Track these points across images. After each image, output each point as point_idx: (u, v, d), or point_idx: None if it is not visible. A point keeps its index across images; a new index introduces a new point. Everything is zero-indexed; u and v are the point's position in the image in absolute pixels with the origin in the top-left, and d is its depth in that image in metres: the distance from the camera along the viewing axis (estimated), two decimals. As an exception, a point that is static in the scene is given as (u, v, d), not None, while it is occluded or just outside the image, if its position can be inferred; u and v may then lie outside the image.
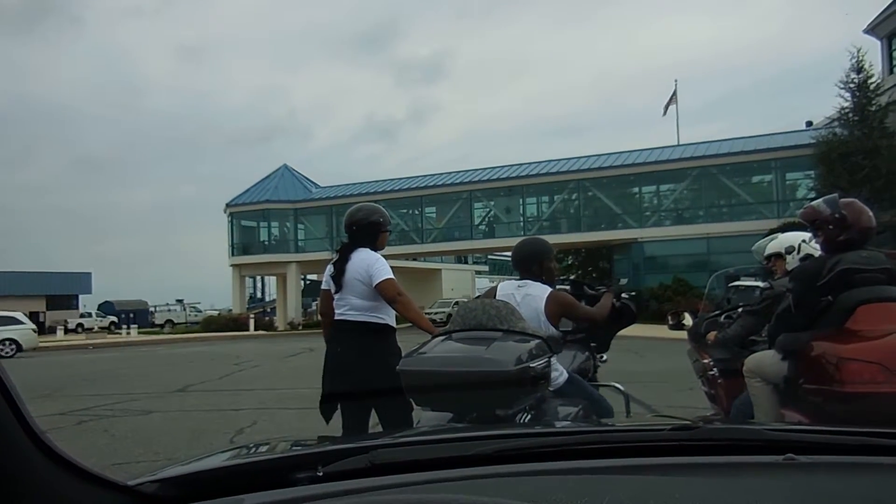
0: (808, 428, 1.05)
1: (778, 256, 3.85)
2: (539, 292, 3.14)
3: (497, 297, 3.06)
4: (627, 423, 1.62)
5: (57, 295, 43.84)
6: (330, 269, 3.60)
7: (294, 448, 1.31)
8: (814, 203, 3.14)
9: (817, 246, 3.57)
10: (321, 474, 0.91)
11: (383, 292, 3.40)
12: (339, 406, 3.52)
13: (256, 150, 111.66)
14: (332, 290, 3.56)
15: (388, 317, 3.49)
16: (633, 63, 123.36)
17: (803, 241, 3.76)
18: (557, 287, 3.58)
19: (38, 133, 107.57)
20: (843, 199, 3.04)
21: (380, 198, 31.17)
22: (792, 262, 3.74)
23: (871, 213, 3.01)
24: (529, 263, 3.31)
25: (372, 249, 3.53)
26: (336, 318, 3.52)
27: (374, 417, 3.53)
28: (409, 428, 2.75)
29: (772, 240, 4.00)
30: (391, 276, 3.46)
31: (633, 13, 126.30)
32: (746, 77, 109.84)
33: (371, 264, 3.43)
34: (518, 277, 3.32)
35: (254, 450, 1.38)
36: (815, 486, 0.82)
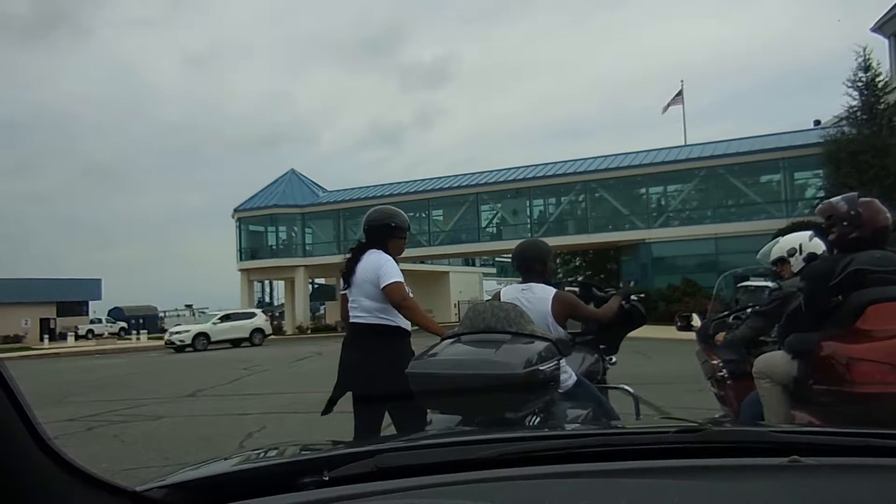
0: (813, 429, 1.05)
1: (783, 261, 3.87)
2: (544, 294, 3.14)
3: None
4: (633, 426, 1.62)
5: (67, 301, 44.12)
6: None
7: (301, 453, 1.32)
8: (832, 199, 3.14)
9: (820, 242, 3.58)
10: (327, 479, 0.91)
11: (389, 296, 3.35)
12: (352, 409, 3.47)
13: (263, 155, 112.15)
14: (342, 290, 3.53)
15: (401, 319, 3.43)
16: (639, 64, 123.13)
17: (802, 242, 3.80)
18: (566, 289, 3.58)
19: (48, 142, 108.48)
20: (862, 199, 3.02)
21: (387, 201, 31.15)
22: (796, 263, 3.76)
23: (888, 215, 2.98)
24: (532, 264, 3.31)
25: (385, 252, 3.48)
26: (350, 321, 3.48)
27: (386, 419, 3.52)
28: (423, 431, 2.75)
29: (774, 245, 4.01)
30: (399, 279, 3.39)
31: (638, 14, 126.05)
32: (753, 76, 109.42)
33: (380, 266, 3.39)
34: (521, 280, 3.33)
35: (262, 454, 1.38)
36: (819, 488, 0.82)
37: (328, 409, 3.44)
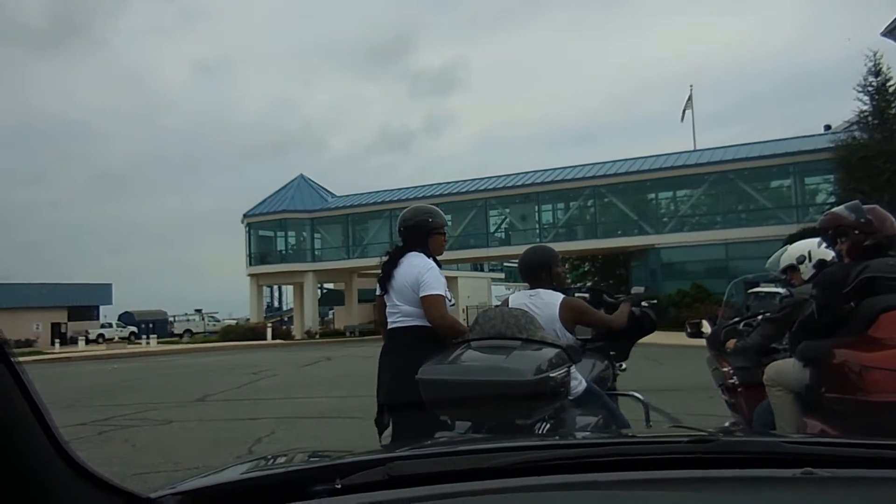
0: (826, 440, 1.04)
1: (792, 268, 3.86)
2: (552, 300, 3.14)
3: None
4: (644, 435, 1.61)
5: (78, 306, 44.39)
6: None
7: (312, 460, 1.32)
8: (835, 209, 3.13)
9: (829, 251, 3.57)
10: (339, 487, 0.91)
11: (426, 309, 3.11)
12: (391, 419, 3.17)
13: (273, 161, 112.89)
14: (379, 293, 3.33)
15: None
16: (648, 68, 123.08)
17: (811, 249, 3.79)
18: (576, 294, 3.58)
19: (61, 149, 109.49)
20: (865, 206, 3.02)
21: (395, 206, 31.31)
22: (806, 270, 3.75)
23: (893, 220, 2.98)
24: (538, 271, 3.30)
25: (426, 254, 3.27)
26: (389, 326, 3.27)
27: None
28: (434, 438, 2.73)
29: (783, 253, 4.01)
30: (440, 291, 3.13)
31: (647, 18, 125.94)
32: (763, 81, 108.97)
33: (421, 272, 3.15)
34: (528, 287, 3.32)
35: (272, 461, 1.39)
36: (832, 500, 0.81)
37: (381, 429, 3.15)
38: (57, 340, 35.89)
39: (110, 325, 45.14)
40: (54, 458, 0.73)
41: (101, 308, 47.63)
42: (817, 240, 3.87)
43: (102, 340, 40.52)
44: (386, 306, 3.31)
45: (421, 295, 3.13)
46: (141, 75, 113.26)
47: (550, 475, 0.91)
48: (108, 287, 47.66)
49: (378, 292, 3.39)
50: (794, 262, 3.85)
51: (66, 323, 42.98)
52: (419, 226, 3.32)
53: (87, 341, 36.41)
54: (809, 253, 3.79)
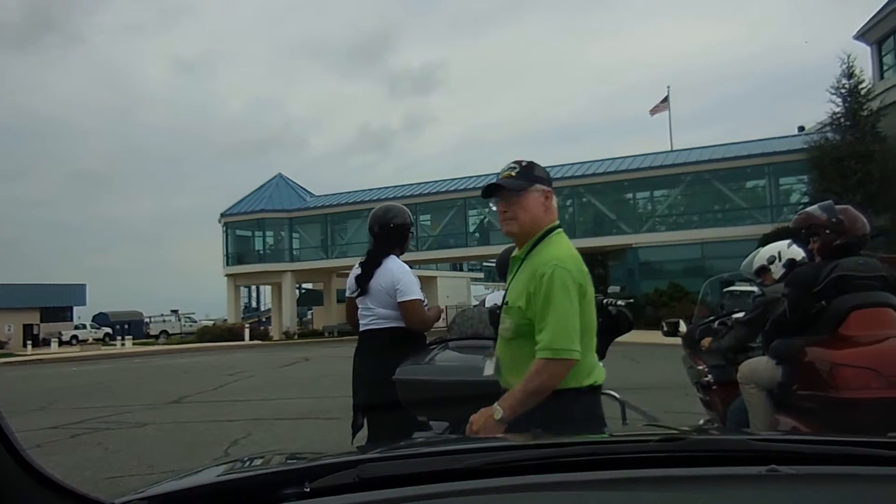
0: (794, 437, 1.06)
1: (764, 269, 3.94)
2: None
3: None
4: (617, 434, 1.62)
5: (51, 307, 43.67)
6: (357, 270, 3.36)
7: (286, 462, 1.31)
8: (808, 209, 3.20)
9: (799, 250, 3.66)
10: (308, 490, 0.90)
11: (406, 313, 3.16)
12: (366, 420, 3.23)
13: (252, 160, 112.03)
14: (352, 293, 3.34)
15: None
16: (628, 69, 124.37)
17: (781, 249, 3.89)
18: None
19: (35, 147, 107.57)
20: (837, 206, 3.09)
21: (374, 206, 31.06)
22: (777, 270, 3.85)
23: (865, 220, 3.05)
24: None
25: (399, 254, 3.35)
26: (362, 328, 3.30)
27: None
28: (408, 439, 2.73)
29: (755, 256, 4.10)
30: (419, 296, 3.20)
31: (628, 20, 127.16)
32: (741, 83, 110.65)
33: (399, 278, 3.21)
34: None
35: (245, 464, 1.37)
36: (797, 498, 0.82)
37: (356, 430, 3.19)
38: (29, 342, 35.20)
39: (84, 327, 44.37)
40: (10, 465, 0.71)
41: (75, 309, 46.92)
42: (787, 241, 3.96)
43: (76, 342, 39.80)
44: (357, 308, 3.32)
45: (399, 300, 3.17)
46: (120, 72, 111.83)
47: (523, 475, 0.91)
48: (81, 287, 46.93)
49: (348, 294, 3.39)
50: (766, 262, 3.93)
51: (38, 324, 42.23)
52: (403, 227, 3.40)
53: (61, 343, 35.85)
54: (779, 253, 3.89)
